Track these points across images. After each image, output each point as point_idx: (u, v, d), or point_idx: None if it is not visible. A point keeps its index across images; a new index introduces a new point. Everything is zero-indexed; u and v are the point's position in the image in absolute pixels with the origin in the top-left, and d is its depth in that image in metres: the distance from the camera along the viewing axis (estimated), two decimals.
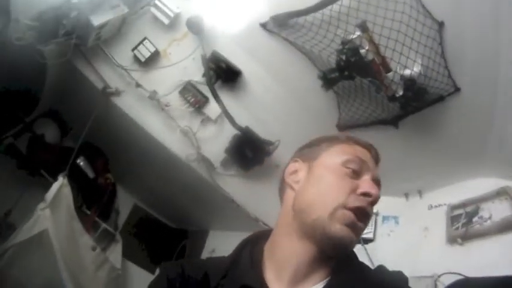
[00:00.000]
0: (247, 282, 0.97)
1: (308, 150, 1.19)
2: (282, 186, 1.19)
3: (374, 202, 1.06)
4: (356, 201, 1.03)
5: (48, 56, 3.11)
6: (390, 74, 2.60)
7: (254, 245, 1.11)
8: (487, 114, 2.54)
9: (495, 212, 2.51)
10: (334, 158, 1.11)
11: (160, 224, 4.85)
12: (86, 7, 3.00)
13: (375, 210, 3.14)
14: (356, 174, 1.07)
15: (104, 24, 3.16)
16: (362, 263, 1.10)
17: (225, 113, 3.30)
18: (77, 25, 3.05)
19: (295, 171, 1.16)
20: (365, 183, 1.06)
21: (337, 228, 0.99)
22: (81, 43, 3.25)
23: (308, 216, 1.02)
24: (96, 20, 3.09)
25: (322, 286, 1.00)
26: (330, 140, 1.19)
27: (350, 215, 1.00)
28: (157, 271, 1.10)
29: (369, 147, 1.19)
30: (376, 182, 1.12)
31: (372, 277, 1.03)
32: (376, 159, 1.19)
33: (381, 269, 1.08)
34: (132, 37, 3.48)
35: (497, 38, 2.28)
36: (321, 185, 1.07)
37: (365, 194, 1.04)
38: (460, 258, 2.49)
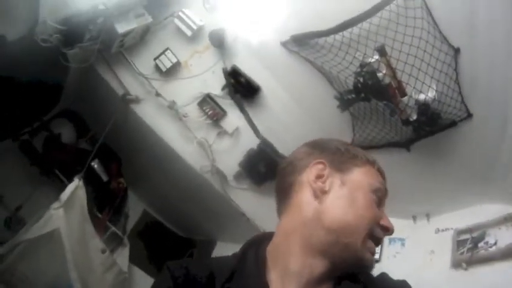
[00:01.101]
0: (251, 286, 0.96)
1: (338, 158, 1.10)
2: (295, 185, 1.09)
3: (391, 232, 1.07)
4: (380, 234, 1.03)
5: (72, 59, 3.16)
6: (405, 98, 2.62)
7: (259, 247, 1.08)
8: (496, 140, 2.54)
9: (501, 238, 2.49)
10: (367, 180, 1.07)
11: (168, 232, 4.86)
12: (112, 14, 3.07)
13: None
14: (378, 204, 1.06)
15: (128, 32, 3.23)
16: (366, 273, 1.07)
17: (250, 123, 3.35)
18: (102, 31, 3.12)
19: (323, 177, 1.06)
20: (386, 218, 1.05)
21: (368, 257, 1.00)
22: (105, 49, 3.33)
23: (339, 238, 0.97)
24: (121, 28, 3.16)
25: None
26: (361, 157, 1.13)
27: (374, 246, 1.02)
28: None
29: (385, 177, 1.15)
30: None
31: (375, 284, 1.03)
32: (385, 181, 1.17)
33: (383, 276, 1.09)
34: (154, 46, 3.54)
35: (509, 65, 2.30)
36: (357, 207, 1.02)
37: (386, 229, 1.04)
38: (464, 284, 2.49)
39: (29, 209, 3.71)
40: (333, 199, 1.03)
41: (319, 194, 1.03)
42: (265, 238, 1.12)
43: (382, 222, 1.03)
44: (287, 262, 0.99)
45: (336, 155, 1.11)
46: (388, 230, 1.04)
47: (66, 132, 4.19)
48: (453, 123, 2.64)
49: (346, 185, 1.05)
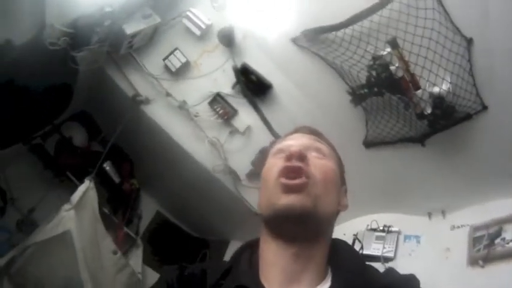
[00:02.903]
0: (244, 282, 0.95)
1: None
2: None
3: (297, 154, 1.02)
4: (280, 165, 1.03)
5: (81, 62, 3.17)
6: (419, 92, 2.60)
7: (254, 249, 1.08)
8: None
9: None
10: (269, 157, 1.14)
11: (181, 232, 4.84)
12: (119, 16, 3.07)
13: (397, 229, 3.20)
14: (288, 158, 1.04)
15: (136, 33, 3.23)
16: (368, 266, 1.05)
17: (264, 120, 3.35)
18: (110, 33, 3.12)
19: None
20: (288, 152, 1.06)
21: (280, 197, 0.98)
22: (114, 51, 3.33)
23: (261, 209, 1.05)
24: (129, 29, 3.16)
25: None
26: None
27: (282, 180, 0.99)
28: None
29: (295, 130, 1.20)
30: (307, 135, 1.15)
31: (379, 279, 1.00)
32: (308, 130, 1.19)
33: (390, 271, 1.06)
34: (163, 47, 3.54)
35: None
36: (263, 183, 1.08)
37: (289, 158, 1.03)
38: (481, 282, 2.45)
39: (42, 212, 3.69)
40: None
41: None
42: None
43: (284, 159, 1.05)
44: (264, 257, 1.02)
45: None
46: (290, 158, 1.02)
47: (78, 135, 4.17)
48: (468, 116, 2.62)
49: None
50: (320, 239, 1.02)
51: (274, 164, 1.06)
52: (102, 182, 4.04)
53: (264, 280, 0.98)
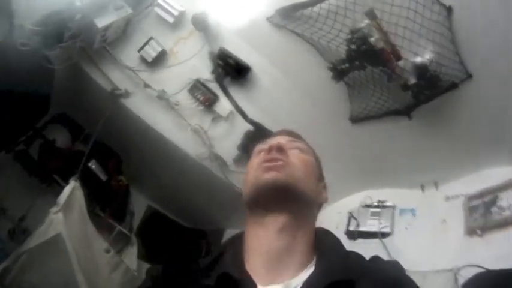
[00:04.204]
0: (228, 270, 0.96)
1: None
2: None
3: (276, 146, 1.11)
4: (261, 158, 1.12)
5: (55, 60, 3.11)
6: (401, 62, 2.55)
7: (240, 240, 1.10)
8: (501, 100, 2.49)
9: None
10: (252, 157, 1.21)
11: (175, 225, 4.80)
12: (89, 10, 3.00)
13: (391, 204, 3.18)
14: (267, 153, 1.13)
15: (108, 26, 3.16)
16: (352, 252, 1.07)
17: (236, 108, 3.29)
18: (81, 28, 3.06)
19: None
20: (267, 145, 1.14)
21: (262, 175, 1.06)
22: (87, 46, 3.26)
23: (245, 193, 1.10)
24: (101, 22, 3.10)
25: (307, 275, 0.96)
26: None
27: (263, 165, 1.08)
28: None
29: (277, 133, 1.28)
30: (286, 137, 1.22)
31: (362, 264, 1.01)
32: (286, 133, 1.26)
33: (375, 258, 1.06)
34: (137, 38, 3.48)
35: (507, 21, 2.24)
36: (246, 172, 1.15)
37: (269, 150, 1.11)
38: (480, 250, 2.43)
39: (33, 219, 3.62)
40: None
41: None
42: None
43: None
44: (249, 243, 1.06)
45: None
46: (270, 150, 1.11)
47: (61, 137, 4.12)
48: (453, 85, 2.58)
49: None
50: (302, 219, 1.06)
51: (256, 160, 1.14)
52: (89, 181, 3.94)
53: (249, 268, 0.98)
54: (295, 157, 1.11)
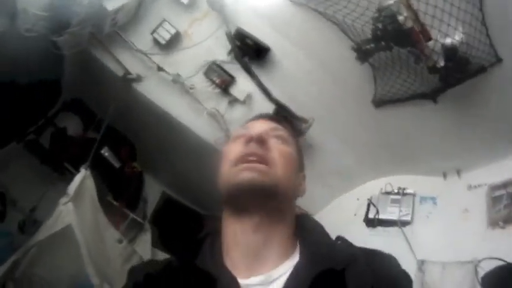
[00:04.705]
0: (205, 267, 0.94)
1: None
2: None
3: (256, 137, 1.04)
4: (241, 151, 1.03)
5: (64, 46, 3.01)
6: (431, 43, 2.43)
7: (216, 234, 1.06)
8: None
9: None
10: (230, 141, 1.15)
11: (190, 211, 4.76)
12: None
13: (412, 191, 3.11)
14: (247, 141, 1.05)
15: (118, 9, 3.05)
16: (339, 238, 1.06)
17: (260, 86, 3.20)
18: (90, 12, 2.93)
19: None
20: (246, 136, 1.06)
21: (240, 174, 0.98)
22: (97, 31, 3.16)
23: (220, 188, 1.04)
24: (110, 5, 2.98)
25: (290, 266, 0.94)
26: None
27: (242, 166, 1.00)
28: None
29: (256, 117, 1.20)
30: (268, 121, 1.15)
31: (348, 250, 0.99)
32: (268, 117, 1.19)
33: (362, 247, 1.02)
34: (150, 20, 3.38)
35: None
36: (222, 159, 1.08)
37: (248, 140, 1.04)
38: (502, 243, 2.36)
39: (44, 209, 3.59)
40: None
41: None
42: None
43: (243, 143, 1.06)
44: (226, 239, 1.02)
45: None
46: (249, 140, 1.04)
47: (72, 125, 4.10)
48: (482, 69, 2.47)
49: None
50: (279, 215, 1.02)
51: (233, 149, 1.06)
52: (102, 169, 3.91)
53: (228, 263, 0.97)
54: (276, 150, 1.05)
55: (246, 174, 0.98)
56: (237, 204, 1.01)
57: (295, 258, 0.96)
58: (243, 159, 1.00)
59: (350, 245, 1.03)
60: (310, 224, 1.08)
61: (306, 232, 1.03)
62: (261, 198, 0.99)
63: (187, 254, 1.01)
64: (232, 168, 1.01)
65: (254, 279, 0.93)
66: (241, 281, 0.92)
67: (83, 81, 3.82)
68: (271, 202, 1.00)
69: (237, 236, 0.99)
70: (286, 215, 1.04)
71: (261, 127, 1.11)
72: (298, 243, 1.01)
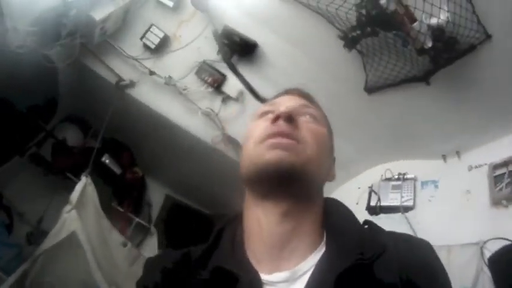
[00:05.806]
0: (225, 265, 0.87)
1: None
2: None
3: (285, 114, 0.94)
4: (267, 130, 0.94)
5: (56, 59, 3.05)
6: (416, 25, 2.39)
7: (236, 223, 1.00)
8: None
9: None
10: (254, 118, 1.06)
11: (194, 212, 4.80)
12: (84, 3, 2.92)
13: (412, 176, 3.09)
14: (274, 119, 0.96)
15: (106, 18, 3.08)
16: (369, 224, 0.99)
17: (247, 86, 3.19)
18: (78, 23, 2.97)
19: None
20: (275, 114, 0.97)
21: (266, 154, 0.90)
22: (87, 41, 3.19)
23: (243, 169, 0.96)
24: (97, 15, 3.01)
25: (317, 259, 0.87)
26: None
27: (268, 142, 0.92)
28: None
29: (285, 92, 1.12)
30: (297, 97, 1.07)
31: (379, 238, 0.91)
32: (298, 93, 1.10)
33: (392, 232, 0.97)
34: (138, 26, 3.41)
35: None
36: (246, 136, 1.01)
37: (275, 119, 0.95)
38: (506, 222, 2.33)
39: (51, 219, 3.60)
40: None
41: None
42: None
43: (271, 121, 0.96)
44: (249, 228, 0.95)
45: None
46: (277, 118, 0.95)
47: (71, 135, 4.12)
48: (472, 47, 2.44)
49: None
50: (309, 201, 0.94)
51: (259, 126, 0.98)
52: (104, 176, 4.01)
53: (251, 255, 0.90)
54: (307, 129, 0.95)
55: (274, 153, 0.89)
56: (262, 188, 0.92)
57: (322, 250, 0.89)
58: (269, 136, 0.92)
59: (379, 231, 0.96)
60: (336, 209, 1.00)
61: (333, 220, 0.95)
62: (289, 181, 0.89)
63: (204, 249, 0.95)
64: (258, 146, 0.93)
65: (278, 276, 0.85)
66: (263, 277, 0.85)
67: (78, 92, 3.83)
68: (301, 186, 0.91)
69: (261, 225, 0.91)
70: (315, 201, 0.96)
71: (290, 103, 1.02)
72: (325, 232, 0.93)
